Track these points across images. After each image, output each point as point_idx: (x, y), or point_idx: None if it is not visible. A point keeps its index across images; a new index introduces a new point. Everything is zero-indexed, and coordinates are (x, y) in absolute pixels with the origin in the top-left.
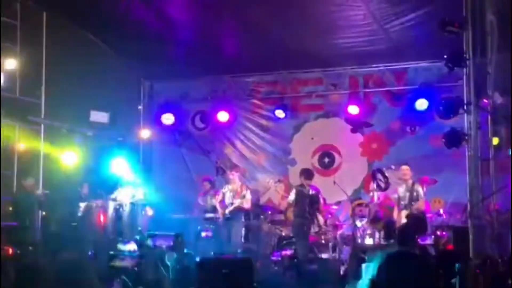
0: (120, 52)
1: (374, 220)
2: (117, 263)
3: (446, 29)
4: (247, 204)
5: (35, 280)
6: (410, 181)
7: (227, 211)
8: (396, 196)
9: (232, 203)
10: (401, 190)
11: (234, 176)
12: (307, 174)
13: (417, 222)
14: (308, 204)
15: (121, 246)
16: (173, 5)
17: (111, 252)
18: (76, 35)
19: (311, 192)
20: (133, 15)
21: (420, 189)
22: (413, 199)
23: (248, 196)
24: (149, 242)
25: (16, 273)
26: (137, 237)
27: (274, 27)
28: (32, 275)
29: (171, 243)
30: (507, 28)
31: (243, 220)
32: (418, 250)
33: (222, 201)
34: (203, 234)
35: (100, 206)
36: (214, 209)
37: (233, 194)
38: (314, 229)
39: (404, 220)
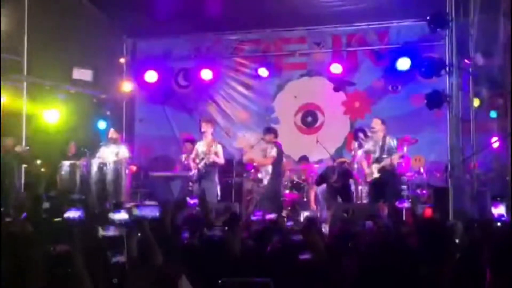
0: (103, 8)
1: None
2: (109, 233)
3: None
4: (219, 159)
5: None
6: (381, 134)
7: (200, 166)
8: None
9: (202, 159)
10: (370, 143)
11: (206, 127)
12: (275, 131)
13: (389, 177)
14: None
15: (111, 216)
16: None
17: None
18: None
19: None
20: None
21: (392, 143)
22: (384, 152)
23: (219, 149)
24: (136, 211)
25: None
26: (127, 205)
27: None
28: (16, 242)
29: (157, 214)
30: None
31: (216, 178)
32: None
33: (194, 158)
34: (191, 201)
35: (84, 165)
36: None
37: (206, 150)
38: None
39: (376, 175)
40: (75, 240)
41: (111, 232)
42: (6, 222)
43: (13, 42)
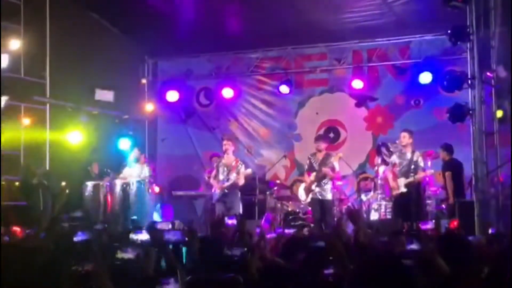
0: (124, 30)
1: None
2: (127, 255)
3: (450, 4)
4: (240, 180)
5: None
6: (409, 148)
7: (225, 185)
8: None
9: (228, 179)
10: (395, 156)
11: (227, 146)
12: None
13: (415, 194)
14: None
15: (133, 236)
16: None
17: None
18: (79, 14)
19: None
20: None
21: (419, 159)
22: (411, 168)
23: (243, 170)
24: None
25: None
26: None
27: (278, 2)
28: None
29: (183, 238)
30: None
31: (239, 196)
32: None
33: (216, 176)
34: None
35: (108, 185)
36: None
37: (228, 169)
38: None
39: (402, 189)
40: (97, 260)
41: (129, 254)
42: (27, 236)
43: (36, 64)
